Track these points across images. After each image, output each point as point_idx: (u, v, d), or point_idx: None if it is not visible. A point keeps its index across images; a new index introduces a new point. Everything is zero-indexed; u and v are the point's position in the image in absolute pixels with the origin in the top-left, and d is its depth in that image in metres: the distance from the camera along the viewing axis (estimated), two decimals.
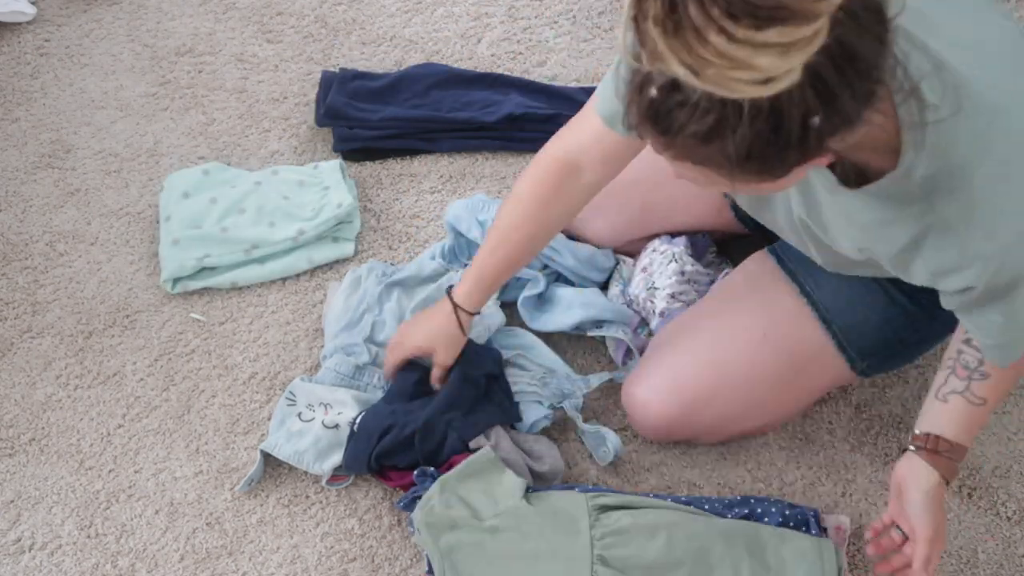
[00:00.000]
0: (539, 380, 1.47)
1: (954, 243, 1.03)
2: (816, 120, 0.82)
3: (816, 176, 1.11)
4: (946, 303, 1.14)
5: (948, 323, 1.36)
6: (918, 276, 1.11)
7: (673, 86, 0.82)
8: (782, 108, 0.81)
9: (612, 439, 1.44)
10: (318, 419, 1.43)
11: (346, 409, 1.43)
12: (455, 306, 1.40)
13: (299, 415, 1.44)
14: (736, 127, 0.81)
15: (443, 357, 1.43)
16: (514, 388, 1.47)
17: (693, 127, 0.83)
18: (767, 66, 0.76)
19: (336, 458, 1.40)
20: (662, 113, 0.84)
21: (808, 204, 1.18)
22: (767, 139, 0.83)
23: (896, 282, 1.31)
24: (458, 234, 1.59)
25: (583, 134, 1.30)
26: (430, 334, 1.43)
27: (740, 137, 0.82)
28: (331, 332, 1.53)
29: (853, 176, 1.06)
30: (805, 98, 0.80)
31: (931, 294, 1.19)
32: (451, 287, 1.42)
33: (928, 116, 0.95)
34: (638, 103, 0.85)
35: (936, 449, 1.23)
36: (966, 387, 1.22)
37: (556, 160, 1.33)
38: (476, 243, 1.57)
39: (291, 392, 1.46)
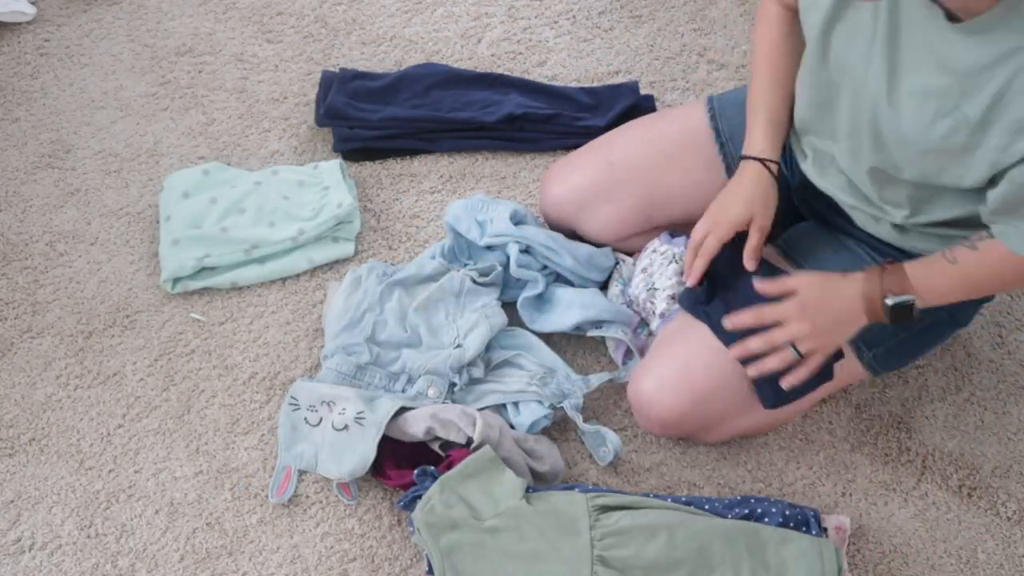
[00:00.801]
0: (539, 380, 1.47)
1: None
2: None
3: (923, 17, 1.11)
4: (1004, 191, 1.11)
5: (954, 313, 1.36)
6: (990, 149, 1.09)
7: None
8: None
9: (612, 439, 1.44)
10: (326, 421, 1.43)
11: (349, 405, 1.43)
12: (761, 161, 1.37)
13: (305, 419, 1.44)
14: None
15: (763, 219, 1.37)
16: (514, 388, 1.47)
17: None
18: None
19: (352, 460, 1.40)
20: None
21: (895, 64, 1.16)
22: None
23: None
24: (457, 234, 1.59)
25: None
26: (746, 199, 1.37)
27: None
28: (331, 332, 1.53)
29: (962, 11, 1.06)
30: None
31: None
32: (743, 155, 1.39)
33: None
34: None
35: (883, 266, 1.24)
36: (952, 247, 1.23)
37: (775, 23, 1.37)
38: (475, 243, 1.57)
39: (293, 396, 1.46)
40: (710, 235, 1.38)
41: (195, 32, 2.01)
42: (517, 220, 1.58)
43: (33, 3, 2.03)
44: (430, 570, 1.30)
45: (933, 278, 1.24)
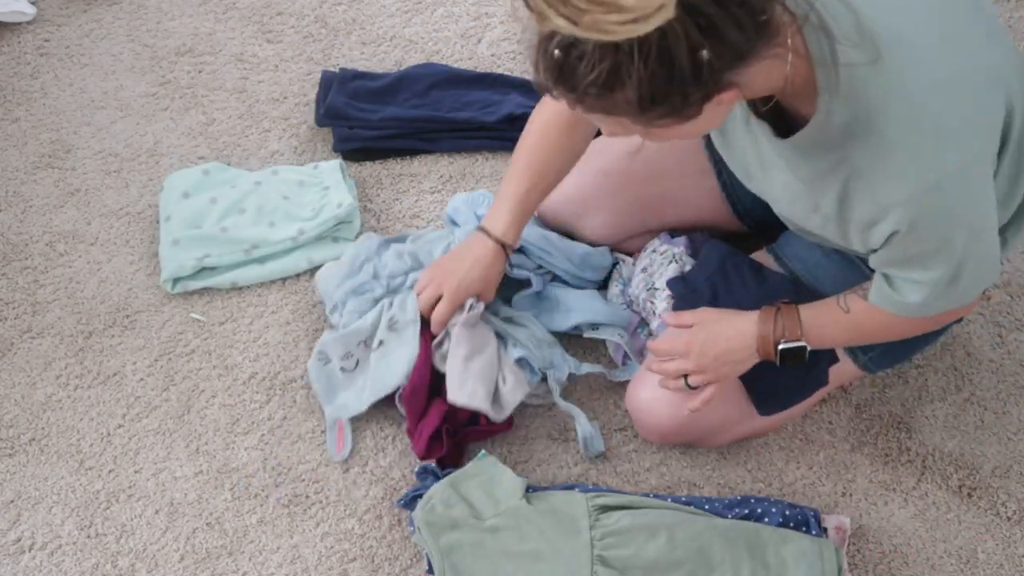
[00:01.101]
0: (535, 340, 1.47)
1: (868, 190, 1.06)
2: (704, 54, 0.88)
3: (760, 133, 1.15)
4: (875, 262, 1.16)
5: None
6: (854, 236, 1.13)
7: (571, 43, 0.89)
8: (669, 46, 0.87)
9: (584, 425, 1.44)
10: (364, 360, 1.46)
11: (380, 328, 1.45)
12: (501, 245, 1.41)
13: (341, 368, 1.45)
14: (631, 71, 0.88)
15: (491, 298, 1.44)
16: (512, 332, 1.48)
17: (592, 77, 0.90)
18: (634, 5, 0.81)
19: (399, 364, 1.43)
20: (565, 70, 0.91)
21: (764, 165, 1.20)
22: (662, 78, 0.89)
23: None
24: (455, 226, 1.59)
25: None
26: (485, 278, 1.42)
27: (637, 80, 0.89)
28: (331, 288, 1.54)
29: (787, 127, 1.10)
30: (688, 33, 0.86)
31: None
32: (481, 227, 1.43)
33: (840, 56, 0.99)
34: (544, 63, 0.92)
35: (778, 306, 1.26)
36: (847, 293, 1.26)
37: (557, 112, 1.37)
38: None
39: (320, 351, 1.48)
40: (443, 302, 1.43)
41: (195, 32, 2.01)
42: None
43: (33, 3, 2.03)
44: (430, 569, 1.30)
45: (825, 326, 1.26)
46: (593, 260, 1.56)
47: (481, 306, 1.45)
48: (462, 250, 1.45)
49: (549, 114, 1.39)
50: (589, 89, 0.91)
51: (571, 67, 0.90)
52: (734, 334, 1.28)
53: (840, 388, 1.53)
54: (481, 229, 1.44)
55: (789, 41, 0.97)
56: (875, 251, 1.14)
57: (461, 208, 1.60)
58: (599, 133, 1.64)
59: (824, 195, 1.13)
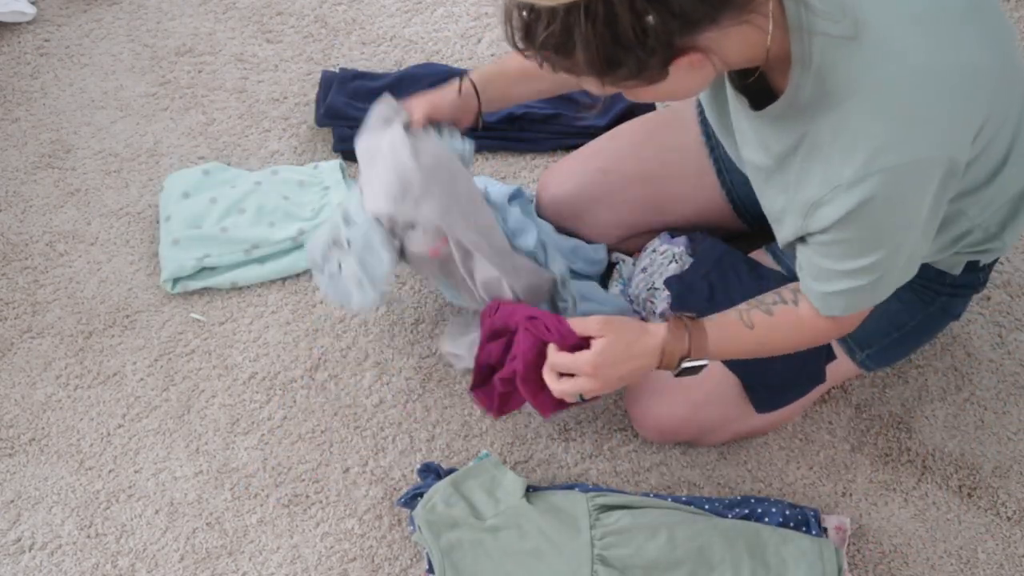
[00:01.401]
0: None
1: (821, 167, 1.05)
2: (650, 19, 0.91)
3: (740, 107, 1.16)
4: (806, 253, 1.16)
5: (946, 309, 1.37)
6: (798, 221, 1.12)
7: (531, 5, 0.94)
8: (615, 10, 0.90)
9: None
10: (344, 260, 1.39)
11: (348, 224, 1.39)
12: (462, 74, 1.40)
13: (330, 276, 1.40)
14: (580, 34, 0.92)
15: (430, 102, 1.38)
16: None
17: (548, 38, 0.94)
18: None
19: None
20: (527, 31, 0.96)
21: (744, 143, 1.21)
22: (610, 41, 0.92)
23: None
24: None
25: None
26: (464, 103, 1.39)
27: (585, 42, 0.92)
28: (316, 255, 1.44)
29: (764, 102, 1.10)
30: None
31: (920, 274, 1.22)
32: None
33: (817, 25, 0.99)
34: (510, 27, 0.98)
35: (682, 318, 1.22)
36: (748, 308, 1.24)
37: None
38: None
39: (310, 259, 1.43)
40: (418, 106, 1.38)
41: (195, 32, 2.01)
42: (512, 198, 1.55)
43: (33, 3, 2.03)
44: (430, 569, 1.30)
45: (729, 341, 1.24)
46: (583, 252, 1.55)
47: (458, 135, 1.40)
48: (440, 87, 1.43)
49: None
50: (547, 50, 0.96)
51: (531, 29, 0.96)
52: (640, 353, 1.21)
53: (840, 388, 1.53)
54: (462, 74, 1.42)
55: (770, 10, 0.98)
56: (811, 235, 1.13)
57: None
58: (602, 131, 1.65)
59: (787, 173, 1.13)
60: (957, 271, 1.31)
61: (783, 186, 1.16)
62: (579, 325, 1.22)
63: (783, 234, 1.19)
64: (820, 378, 1.40)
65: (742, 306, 1.24)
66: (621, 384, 1.22)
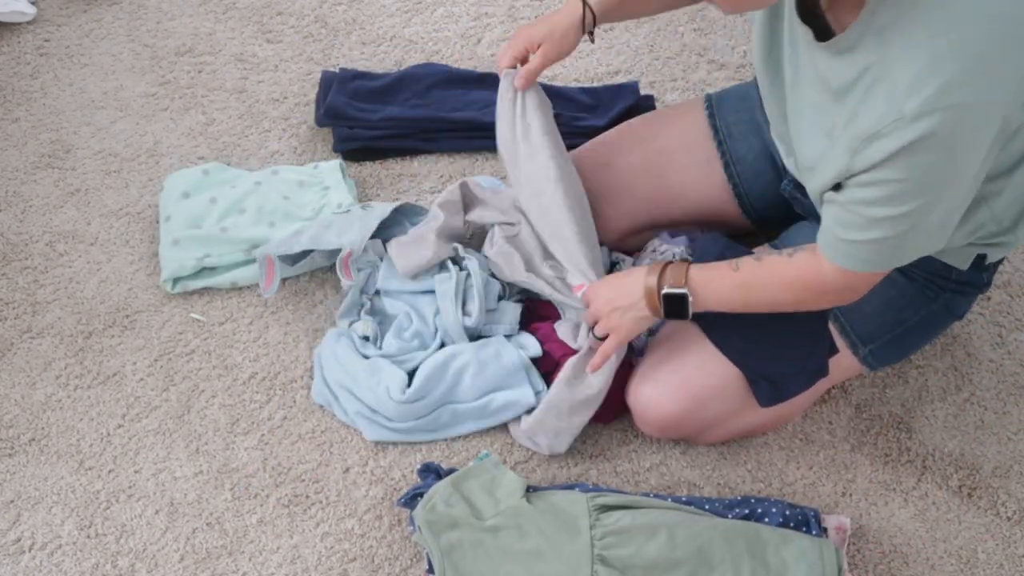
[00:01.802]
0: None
1: (882, 95, 1.04)
2: None
3: (801, 38, 1.15)
4: (844, 197, 1.14)
5: (950, 307, 1.37)
6: (845, 159, 1.10)
7: None
8: None
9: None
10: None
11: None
12: (589, 7, 1.41)
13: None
14: None
15: (550, 47, 1.42)
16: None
17: None
18: None
19: (356, 230, 1.51)
20: None
21: (797, 81, 1.20)
22: None
23: None
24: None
25: None
26: (551, 25, 1.42)
27: None
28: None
29: (826, 37, 1.10)
30: None
31: (923, 266, 1.23)
32: None
33: None
34: None
35: (668, 262, 1.31)
36: (740, 258, 1.28)
37: None
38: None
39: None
40: (514, 49, 1.45)
41: (195, 32, 2.01)
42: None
43: (33, 3, 2.03)
44: (430, 569, 1.30)
45: (713, 280, 1.28)
46: None
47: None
48: (553, 13, 1.46)
49: None
50: None
51: None
52: (626, 280, 1.34)
53: (840, 388, 1.53)
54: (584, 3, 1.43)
55: None
56: (853, 177, 1.11)
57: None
58: (601, 131, 1.65)
59: (843, 109, 1.11)
60: (965, 266, 1.31)
61: (830, 126, 1.14)
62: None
63: (817, 182, 1.17)
64: (823, 372, 1.39)
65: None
66: (614, 316, 1.34)
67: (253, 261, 1.63)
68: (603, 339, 1.37)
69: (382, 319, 1.55)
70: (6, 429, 1.48)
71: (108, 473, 1.45)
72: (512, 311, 1.51)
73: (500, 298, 1.53)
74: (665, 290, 1.28)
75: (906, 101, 1.01)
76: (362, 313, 1.55)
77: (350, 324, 1.54)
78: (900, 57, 1.02)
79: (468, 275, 1.51)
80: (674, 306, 1.29)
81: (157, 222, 1.71)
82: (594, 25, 1.43)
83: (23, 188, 1.76)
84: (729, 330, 1.36)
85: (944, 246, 1.19)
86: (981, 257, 1.31)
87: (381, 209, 1.58)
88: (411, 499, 1.35)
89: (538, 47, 1.44)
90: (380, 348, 1.50)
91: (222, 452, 1.47)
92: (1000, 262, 1.36)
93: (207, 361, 1.56)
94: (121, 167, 1.79)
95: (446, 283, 1.50)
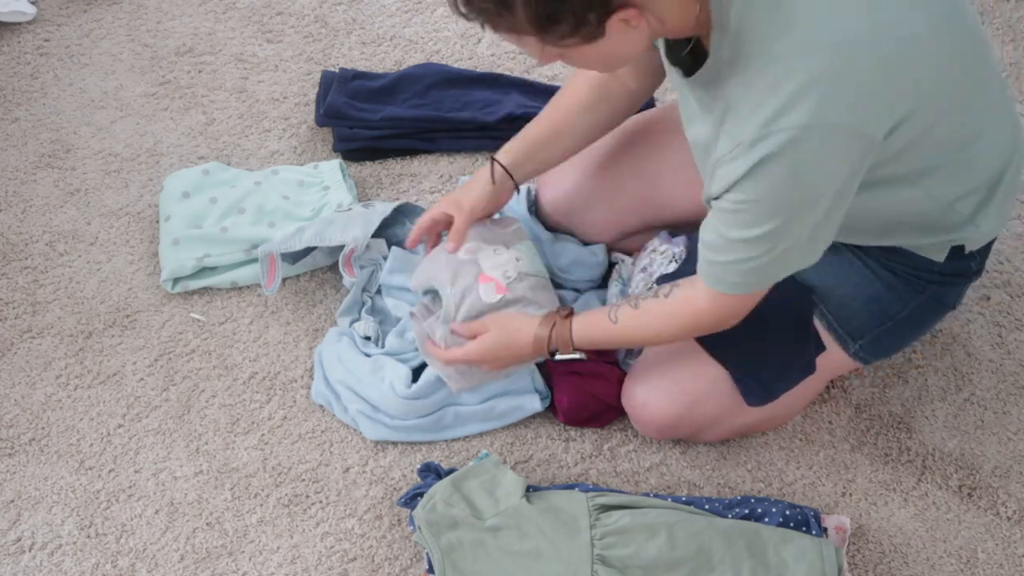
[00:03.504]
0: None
1: (730, 124, 1.07)
2: None
3: (678, 81, 1.18)
4: (707, 223, 1.17)
5: (939, 298, 1.36)
6: (709, 184, 1.14)
7: None
8: None
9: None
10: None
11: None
12: (492, 160, 1.45)
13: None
14: None
15: (468, 208, 1.45)
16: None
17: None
18: None
19: (358, 227, 1.53)
20: None
21: (689, 119, 1.23)
22: None
23: (870, 253, 1.33)
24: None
25: None
26: (496, 195, 1.46)
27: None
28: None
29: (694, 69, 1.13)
30: None
31: (905, 261, 1.24)
32: (490, 157, 1.47)
33: None
34: None
35: (556, 314, 1.37)
36: (620, 303, 1.31)
37: (586, 83, 1.44)
38: None
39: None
40: (457, 219, 1.46)
41: (195, 32, 2.01)
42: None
43: (33, 3, 2.03)
44: (430, 569, 1.30)
45: (595, 337, 1.34)
46: (584, 259, 1.56)
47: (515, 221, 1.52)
48: (469, 180, 1.49)
49: (579, 83, 1.44)
50: (489, 7, 1.00)
51: None
52: (516, 346, 1.37)
53: (840, 388, 1.53)
54: (491, 159, 1.46)
55: None
56: (714, 201, 1.14)
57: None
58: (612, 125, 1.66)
59: (716, 141, 1.13)
60: (941, 257, 1.31)
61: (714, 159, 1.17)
62: (464, 328, 1.40)
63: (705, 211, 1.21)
64: (810, 369, 1.39)
65: (619, 301, 1.33)
66: (513, 366, 1.42)
67: (253, 261, 1.63)
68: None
69: (383, 319, 1.54)
70: (6, 429, 1.48)
71: (108, 473, 1.45)
72: None
73: None
74: (559, 357, 1.37)
75: (745, 127, 1.04)
76: (363, 312, 1.55)
77: (351, 323, 1.54)
78: (742, 88, 1.05)
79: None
80: (570, 362, 1.40)
81: (157, 222, 1.71)
82: (513, 180, 1.46)
83: (23, 188, 1.76)
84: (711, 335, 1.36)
85: (909, 244, 1.25)
86: (958, 248, 1.30)
87: (383, 208, 1.58)
88: (411, 499, 1.35)
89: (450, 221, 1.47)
90: (382, 347, 1.50)
91: (222, 452, 1.47)
92: (986, 250, 1.35)
93: (207, 361, 1.56)
94: (121, 167, 1.79)
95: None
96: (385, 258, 1.58)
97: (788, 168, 1.04)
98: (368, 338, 1.51)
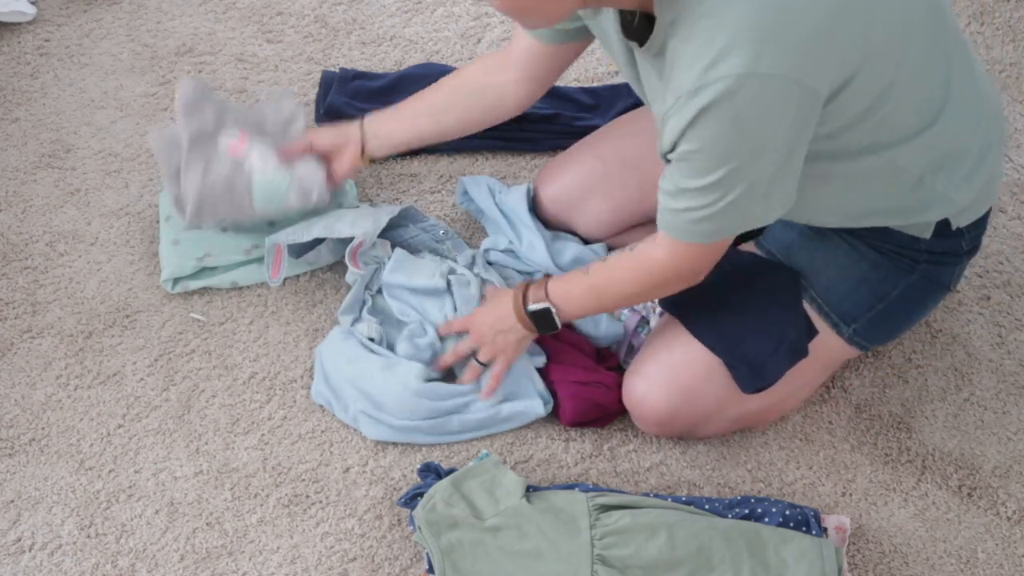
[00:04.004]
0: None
1: (674, 77, 1.09)
2: None
3: (636, 58, 1.21)
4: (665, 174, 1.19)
5: (930, 277, 1.36)
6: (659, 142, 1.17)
7: None
8: None
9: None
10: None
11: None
12: (362, 132, 1.55)
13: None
14: None
15: (321, 140, 1.56)
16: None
17: None
18: None
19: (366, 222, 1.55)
20: None
21: (652, 98, 1.25)
22: None
23: (855, 233, 1.34)
24: (469, 199, 1.68)
25: (509, 50, 1.50)
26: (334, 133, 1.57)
27: None
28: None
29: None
30: None
31: (890, 239, 1.25)
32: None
33: None
34: None
35: (530, 281, 1.41)
36: (591, 263, 1.38)
37: (478, 70, 1.54)
38: (484, 212, 1.66)
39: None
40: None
41: (195, 32, 2.01)
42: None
43: (33, 3, 2.03)
44: (430, 569, 1.30)
45: (569, 289, 1.37)
46: (585, 257, 1.56)
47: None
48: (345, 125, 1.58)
49: (471, 69, 1.55)
50: None
51: None
52: (501, 304, 1.42)
53: (840, 388, 1.53)
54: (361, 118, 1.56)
55: None
56: (665, 156, 1.16)
57: (479, 183, 1.67)
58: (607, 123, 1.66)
59: (664, 96, 1.14)
60: (927, 235, 1.30)
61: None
62: (458, 324, 1.47)
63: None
64: (801, 352, 1.38)
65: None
66: (499, 339, 1.42)
67: (253, 261, 1.63)
68: (486, 364, 1.45)
69: (384, 319, 1.54)
70: (6, 429, 1.48)
71: (108, 473, 1.45)
72: None
73: None
74: (530, 307, 1.38)
75: (685, 79, 1.06)
76: (364, 312, 1.54)
77: (352, 323, 1.54)
78: (682, 41, 1.07)
79: (482, 281, 1.53)
80: (542, 320, 1.39)
81: (157, 222, 1.71)
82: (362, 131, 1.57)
83: (23, 188, 1.76)
84: (704, 316, 1.39)
85: (891, 222, 1.26)
86: (943, 223, 1.30)
87: (391, 207, 1.61)
88: (411, 499, 1.35)
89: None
90: (389, 350, 1.51)
91: (222, 452, 1.47)
92: (981, 225, 1.35)
93: (207, 361, 1.56)
94: (121, 167, 1.79)
95: (466, 288, 1.51)
96: (389, 258, 1.58)
97: (728, 117, 1.06)
98: (372, 339, 1.51)
